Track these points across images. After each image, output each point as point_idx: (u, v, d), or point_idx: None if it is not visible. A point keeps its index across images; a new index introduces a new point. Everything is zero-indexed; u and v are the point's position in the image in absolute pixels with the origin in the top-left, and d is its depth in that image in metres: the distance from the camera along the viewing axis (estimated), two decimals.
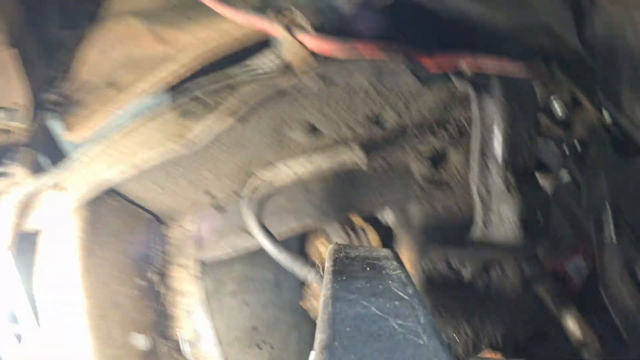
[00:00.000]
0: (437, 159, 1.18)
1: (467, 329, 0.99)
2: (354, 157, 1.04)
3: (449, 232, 1.15)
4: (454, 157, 1.18)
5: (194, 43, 0.98)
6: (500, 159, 0.98)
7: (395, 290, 0.65)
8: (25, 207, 1.08)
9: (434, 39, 0.98)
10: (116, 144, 0.97)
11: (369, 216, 1.22)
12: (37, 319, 0.99)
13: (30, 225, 1.07)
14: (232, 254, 1.12)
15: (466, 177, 1.09)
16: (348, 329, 0.54)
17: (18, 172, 1.06)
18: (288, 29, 0.87)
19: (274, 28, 0.88)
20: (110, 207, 1.09)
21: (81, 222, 1.03)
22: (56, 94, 1.18)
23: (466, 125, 1.15)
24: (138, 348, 1.04)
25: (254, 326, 1.18)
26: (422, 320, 0.57)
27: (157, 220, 1.18)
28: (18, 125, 1.15)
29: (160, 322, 1.09)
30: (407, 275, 0.72)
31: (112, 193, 1.10)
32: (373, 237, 1.25)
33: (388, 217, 1.20)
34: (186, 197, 1.12)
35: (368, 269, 0.74)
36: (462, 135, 1.16)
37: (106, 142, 1.00)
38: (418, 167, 1.17)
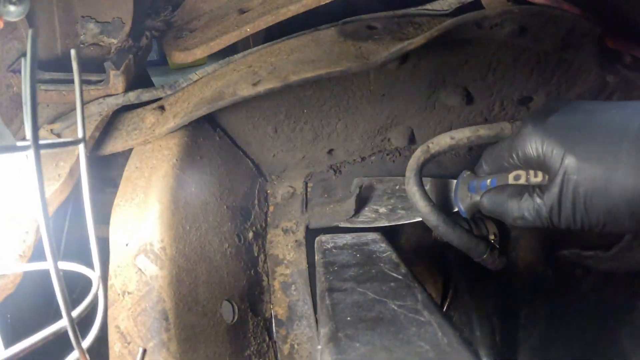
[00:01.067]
0: None
1: None
2: (514, 131, 0.92)
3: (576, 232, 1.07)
4: None
5: None
6: None
7: (389, 272, 0.65)
8: (113, 121, 0.89)
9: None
10: (254, 61, 0.81)
11: None
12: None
13: (114, 145, 0.87)
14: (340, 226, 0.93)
15: None
16: (349, 319, 0.53)
17: (115, 82, 0.87)
18: None
19: None
20: (213, 141, 0.90)
21: (177, 147, 0.83)
22: (161, 22, 1.06)
23: None
24: (224, 319, 0.81)
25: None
26: (419, 297, 0.57)
27: (259, 174, 0.99)
28: (109, 40, 1.00)
29: (252, 293, 0.87)
30: (397, 256, 0.71)
31: (217, 128, 0.92)
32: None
33: None
34: (304, 150, 0.95)
35: (358, 255, 0.73)
36: None
37: (239, 61, 0.84)
38: None
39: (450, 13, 0.87)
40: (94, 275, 0.57)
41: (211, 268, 0.81)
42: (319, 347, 0.52)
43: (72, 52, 0.53)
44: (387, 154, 0.99)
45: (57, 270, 0.44)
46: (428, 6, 0.86)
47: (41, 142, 0.55)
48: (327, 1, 0.85)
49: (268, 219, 0.95)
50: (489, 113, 1.01)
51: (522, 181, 0.74)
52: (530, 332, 1.11)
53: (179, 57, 0.94)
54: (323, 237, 0.83)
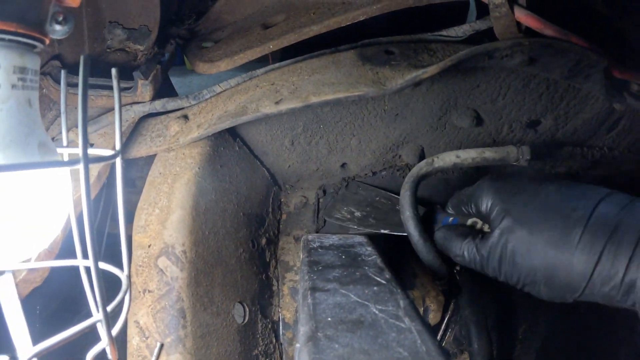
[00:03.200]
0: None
1: None
2: (519, 156, 0.96)
3: None
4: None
5: None
6: None
7: (373, 276, 0.65)
8: (138, 127, 0.94)
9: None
10: (276, 78, 0.86)
11: None
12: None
13: (138, 150, 0.92)
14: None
15: None
16: (330, 319, 0.53)
17: (143, 90, 0.92)
18: None
19: None
20: (232, 151, 0.95)
21: (199, 156, 0.88)
22: (185, 30, 1.11)
23: (608, 152, 1.11)
24: (235, 320, 0.86)
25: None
26: (401, 303, 0.56)
27: (274, 183, 1.03)
28: (135, 47, 1.05)
29: (262, 296, 0.92)
30: (383, 260, 0.71)
31: (237, 138, 0.97)
32: None
33: None
34: (319, 163, 0.99)
35: (343, 256, 0.73)
36: (601, 163, 1.12)
37: (262, 77, 0.89)
38: None
39: (464, 40, 0.91)
40: (123, 275, 0.62)
41: (226, 271, 0.85)
42: (297, 345, 0.52)
43: (113, 71, 0.58)
44: (398, 170, 1.04)
45: (98, 270, 0.48)
46: (443, 32, 0.90)
47: (78, 152, 0.60)
48: (347, 23, 0.89)
49: (281, 226, 0.99)
50: (497, 135, 1.04)
51: (477, 228, 0.81)
52: (528, 347, 1.15)
53: (202, 68, 0.98)
54: (310, 236, 0.84)
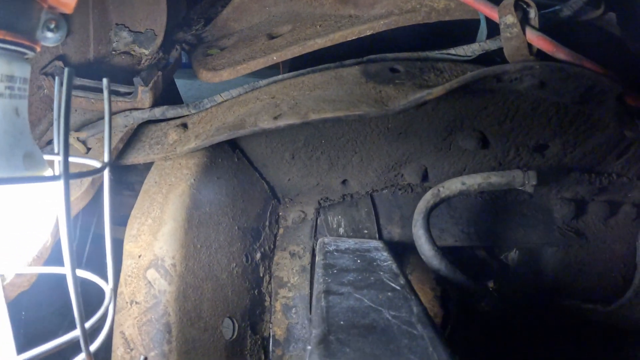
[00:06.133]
0: (579, 208, 1.13)
1: None
2: (525, 181, 0.93)
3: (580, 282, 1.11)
4: (596, 209, 1.13)
5: (390, 8, 0.88)
6: None
7: (387, 281, 0.65)
8: (137, 132, 0.93)
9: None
10: (277, 92, 0.84)
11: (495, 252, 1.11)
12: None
13: (136, 157, 0.91)
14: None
15: (603, 232, 1.08)
16: (342, 323, 0.53)
17: (143, 97, 0.91)
18: (520, 18, 0.78)
19: (502, 12, 0.79)
20: (231, 162, 0.93)
21: (196, 167, 0.86)
22: (192, 36, 1.10)
23: (616, 178, 1.08)
24: (223, 336, 0.84)
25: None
26: (415, 310, 0.56)
27: (273, 196, 1.01)
28: (140, 50, 1.05)
29: (253, 312, 0.90)
30: (398, 266, 0.70)
31: (236, 149, 0.95)
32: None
33: (511, 257, 1.09)
34: (319, 178, 0.97)
35: (359, 261, 0.73)
36: (607, 189, 1.10)
37: (263, 90, 0.87)
38: (561, 211, 1.12)
39: (473, 59, 0.88)
40: (107, 288, 0.60)
41: (217, 286, 0.84)
42: (309, 347, 0.52)
43: (104, 81, 0.56)
44: (399, 189, 1.01)
45: (77, 287, 0.47)
46: (452, 51, 0.87)
47: (70, 160, 0.58)
48: (353, 38, 0.87)
49: (277, 241, 0.97)
50: (503, 158, 1.01)
51: None
52: None
53: (205, 77, 0.97)
54: (326, 239, 0.83)
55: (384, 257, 0.76)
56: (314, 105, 0.74)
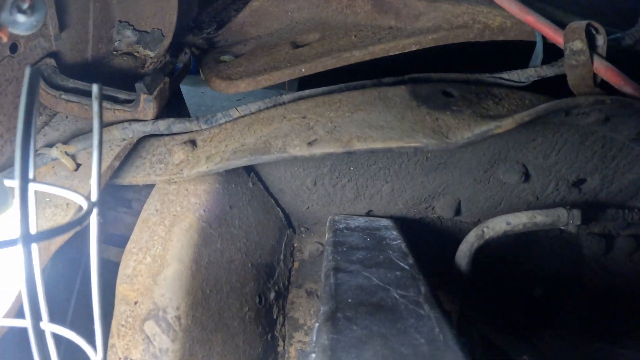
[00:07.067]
0: (608, 244, 1.07)
1: None
2: (570, 220, 0.85)
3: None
4: (622, 245, 1.06)
5: (437, 22, 0.77)
6: None
7: (396, 260, 0.65)
8: (137, 147, 0.79)
9: None
10: (308, 111, 0.72)
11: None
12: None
13: (134, 176, 0.78)
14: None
15: (629, 268, 1.05)
16: (350, 300, 0.53)
17: (145, 107, 0.78)
18: (589, 45, 0.69)
19: (569, 36, 0.70)
20: (245, 188, 0.81)
21: (206, 195, 0.73)
22: (203, 40, 0.97)
23: None
24: None
25: None
26: (422, 290, 0.56)
27: (288, 225, 0.89)
28: (145, 52, 0.91)
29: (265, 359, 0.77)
30: (407, 245, 0.70)
31: (251, 172, 0.83)
32: None
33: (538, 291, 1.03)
34: (342, 208, 0.85)
35: (368, 239, 0.73)
36: (632, 223, 1.04)
37: (289, 107, 0.75)
38: (590, 247, 1.07)
39: (527, 86, 0.79)
40: (96, 358, 0.47)
41: (227, 337, 0.71)
42: (317, 324, 0.51)
43: (94, 88, 0.42)
44: (428, 222, 0.91)
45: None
46: (505, 75, 0.78)
47: (45, 188, 0.44)
48: (395, 52, 0.76)
49: (292, 277, 0.85)
50: (541, 192, 0.93)
51: None
52: None
53: (219, 86, 0.84)
54: (336, 217, 0.82)
55: (394, 235, 0.75)
56: (358, 132, 0.63)
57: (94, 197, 0.42)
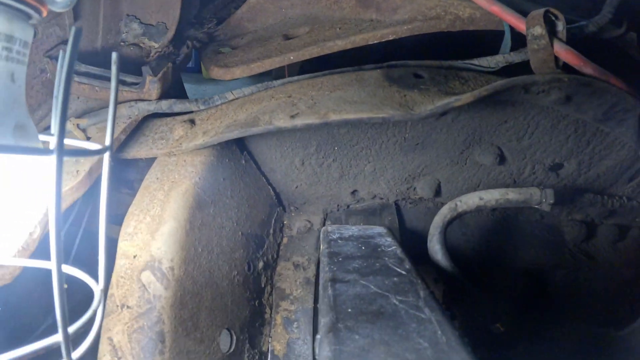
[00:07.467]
0: (589, 230, 1.12)
1: None
2: (542, 199, 0.90)
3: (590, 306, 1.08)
4: (605, 233, 1.12)
5: (413, 14, 0.85)
6: None
7: (393, 266, 0.65)
8: (141, 126, 0.88)
9: None
10: (294, 91, 0.80)
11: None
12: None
13: (138, 150, 0.86)
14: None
15: (612, 255, 1.07)
16: (350, 310, 0.54)
17: (150, 88, 0.87)
18: (548, 31, 0.76)
19: (530, 23, 0.77)
20: (238, 164, 0.88)
21: (201, 165, 0.81)
22: (204, 34, 1.06)
23: (627, 202, 1.06)
24: (220, 348, 0.78)
25: None
26: (421, 294, 0.57)
27: (278, 203, 0.96)
28: (150, 43, 1.01)
29: (252, 324, 0.83)
30: (403, 251, 0.71)
31: (244, 151, 0.90)
32: None
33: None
34: (328, 187, 0.93)
35: (363, 247, 0.73)
36: (617, 212, 1.08)
37: (278, 89, 0.83)
38: (572, 233, 1.10)
39: (496, 71, 0.86)
40: (97, 288, 0.54)
41: (216, 294, 0.78)
42: (318, 336, 0.51)
43: (113, 55, 0.51)
44: (410, 202, 0.97)
45: (62, 284, 0.41)
46: (475, 61, 0.85)
47: (67, 142, 0.52)
48: (375, 42, 0.84)
49: (280, 250, 0.92)
50: (518, 175, 0.98)
51: None
52: None
53: (217, 73, 0.93)
54: (329, 227, 0.83)
55: (388, 242, 0.75)
56: (335, 106, 0.70)
57: (108, 142, 0.50)
